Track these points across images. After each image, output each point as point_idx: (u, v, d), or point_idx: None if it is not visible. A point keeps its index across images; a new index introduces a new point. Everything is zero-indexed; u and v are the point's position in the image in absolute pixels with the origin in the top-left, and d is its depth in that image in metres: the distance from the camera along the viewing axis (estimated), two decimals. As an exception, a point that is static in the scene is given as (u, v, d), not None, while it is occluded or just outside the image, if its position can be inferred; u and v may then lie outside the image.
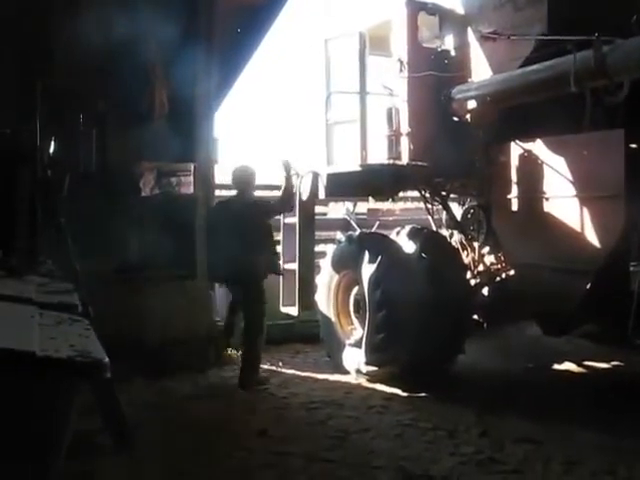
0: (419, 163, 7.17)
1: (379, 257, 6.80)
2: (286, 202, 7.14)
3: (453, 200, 8.11)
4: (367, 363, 6.78)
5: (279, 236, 7.94)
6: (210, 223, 7.30)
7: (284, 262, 7.67)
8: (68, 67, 6.66)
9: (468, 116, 7.16)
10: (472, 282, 7.25)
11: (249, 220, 6.81)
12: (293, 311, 7.60)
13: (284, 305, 7.74)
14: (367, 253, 6.95)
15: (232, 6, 8.23)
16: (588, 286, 5.97)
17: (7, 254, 4.08)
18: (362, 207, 10.63)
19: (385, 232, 7.73)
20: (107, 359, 1.95)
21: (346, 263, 7.27)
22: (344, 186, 7.60)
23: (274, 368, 7.48)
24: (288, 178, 7.08)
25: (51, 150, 5.40)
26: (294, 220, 7.54)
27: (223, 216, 6.99)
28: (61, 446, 1.84)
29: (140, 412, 5.57)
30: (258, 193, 9.55)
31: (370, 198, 8.72)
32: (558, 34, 5.90)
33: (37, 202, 4.66)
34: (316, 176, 7.49)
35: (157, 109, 7.23)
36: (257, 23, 8.47)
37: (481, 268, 7.40)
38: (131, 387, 6.07)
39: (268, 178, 9.47)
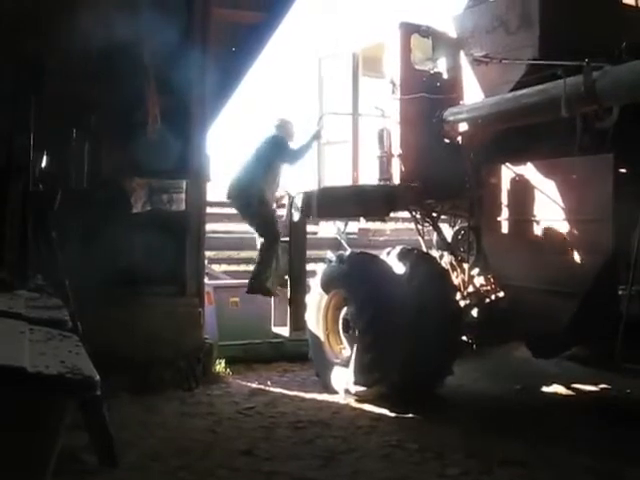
0: (410, 184, 7.21)
1: (369, 277, 6.81)
2: (297, 152, 7.77)
3: (443, 221, 8.14)
4: (356, 383, 6.76)
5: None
6: None
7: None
8: (62, 80, 6.68)
9: (459, 138, 7.22)
10: (462, 303, 7.25)
11: (260, 149, 7.61)
12: (284, 331, 7.61)
13: (275, 325, 7.73)
14: (357, 273, 6.96)
15: (227, 25, 8.31)
16: (576, 309, 5.99)
17: (-3, 269, 4.07)
18: (353, 227, 10.65)
19: (375, 252, 7.74)
20: (97, 376, 1.95)
21: (336, 283, 7.27)
22: (336, 206, 7.63)
23: (262, 387, 7.46)
24: (313, 138, 7.67)
25: (43, 164, 5.41)
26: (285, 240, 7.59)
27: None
28: (49, 462, 1.83)
29: (126, 429, 5.55)
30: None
31: (361, 218, 8.75)
32: (549, 59, 5.97)
33: (28, 216, 4.66)
34: (308, 196, 7.52)
35: (150, 125, 7.25)
36: (252, 42, 8.54)
37: (471, 289, 7.41)
38: (118, 404, 6.02)
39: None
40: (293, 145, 7.84)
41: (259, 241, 7.78)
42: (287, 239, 7.58)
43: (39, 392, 1.79)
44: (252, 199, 7.48)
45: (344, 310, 7.21)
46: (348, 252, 7.79)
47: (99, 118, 6.94)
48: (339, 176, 7.83)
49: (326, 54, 8.12)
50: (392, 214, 8.48)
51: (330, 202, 7.57)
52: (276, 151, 7.65)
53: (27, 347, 2.13)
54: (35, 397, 1.79)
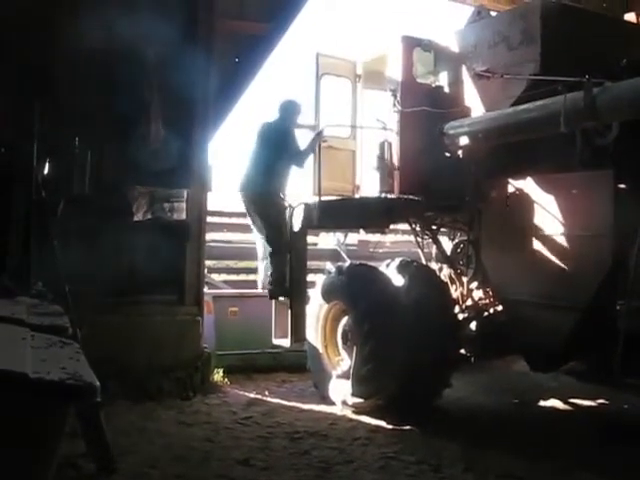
0: (411, 197, 7.24)
1: (368, 289, 6.83)
2: (302, 154, 7.58)
3: (443, 234, 8.17)
4: (353, 394, 6.76)
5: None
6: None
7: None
8: (67, 89, 6.73)
9: (460, 152, 7.26)
10: (460, 316, 7.26)
11: (269, 139, 7.49)
12: (285, 343, 7.59)
13: (276, 337, 7.73)
14: (356, 285, 6.97)
15: (231, 35, 8.36)
16: (575, 323, 6.01)
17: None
18: (353, 238, 10.68)
19: (375, 264, 7.75)
20: (98, 383, 1.97)
21: (335, 294, 7.27)
22: (336, 217, 7.65)
23: (260, 397, 7.46)
24: (314, 141, 7.54)
25: (46, 171, 5.43)
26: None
27: (256, 135, 7.62)
28: (50, 467, 1.85)
29: (124, 436, 5.56)
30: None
31: (361, 230, 8.78)
32: (550, 74, 6.02)
33: (31, 222, 4.68)
34: (308, 207, 7.54)
35: (153, 135, 7.29)
36: (256, 52, 8.58)
37: (469, 302, 7.43)
38: (116, 411, 6.03)
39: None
40: (297, 139, 7.71)
41: (263, 245, 7.76)
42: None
43: (40, 398, 1.81)
44: (263, 198, 7.47)
45: (343, 321, 7.23)
46: (347, 263, 7.81)
47: (102, 126, 6.97)
48: (340, 187, 7.89)
49: (328, 70, 8.15)
50: (392, 226, 8.52)
51: (330, 213, 7.60)
52: (282, 146, 7.50)
53: (29, 353, 2.15)
54: (36, 402, 1.81)
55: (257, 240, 7.92)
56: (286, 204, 7.58)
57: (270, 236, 7.51)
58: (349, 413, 6.81)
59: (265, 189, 7.47)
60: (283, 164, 7.54)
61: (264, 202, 7.52)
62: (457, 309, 7.32)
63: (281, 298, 7.65)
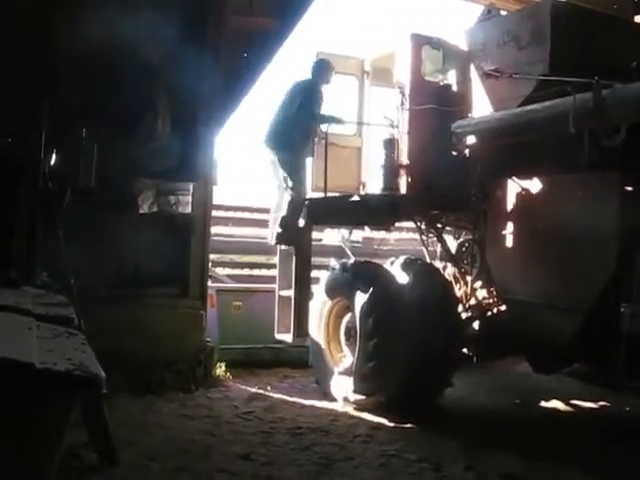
0: (416, 195, 7.23)
1: (372, 286, 6.83)
2: (324, 118, 7.68)
3: (448, 233, 8.16)
4: (355, 391, 6.77)
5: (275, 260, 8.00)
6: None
7: (279, 289, 7.76)
8: (74, 82, 6.73)
9: (467, 151, 7.24)
10: (463, 315, 7.26)
11: (293, 91, 7.64)
12: (288, 338, 7.61)
13: (279, 332, 7.74)
14: (360, 282, 6.97)
15: (240, 31, 8.35)
16: (579, 325, 6.00)
17: (5, 265, 4.10)
18: (358, 235, 10.67)
19: (379, 261, 7.75)
20: (103, 374, 1.97)
21: (339, 291, 7.28)
22: (341, 214, 7.65)
23: (262, 391, 7.46)
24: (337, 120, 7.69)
25: (52, 163, 5.44)
26: (290, 247, 7.62)
27: (286, 91, 7.75)
28: (54, 457, 1.85)
29: (125, 429, 5.57)
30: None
31: (366, 227, 8.78)
32: (559, 75, 6.00)
33: (37, 214, 4.69)
34: (313, 203, 7.53)
35: (159, 130, 7.29)
36: (264, 48, 8.57)
37: (473, 302, 7.42)
38: (118, 404, 6.04)
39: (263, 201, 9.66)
40: (320, 99, 7.73)
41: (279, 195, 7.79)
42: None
43: (47, 388, 1.81)
44: (284, 146, 7.51)
45: (346, 318, 7.23)
46: (352, 260, 7.81)
47: (109, 119, 6.97)
48: (346, 183, 7.89)
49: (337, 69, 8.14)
50: (397, 224, 8.51)
51: (335, 210, 7.60)
52: (305, 101, 7.57)
53: (35, 343, 2.15)
54: (42, 393, 1.81)
55: (275, 191, 7.95)
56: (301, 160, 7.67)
57: (290, 179, 7.58)
58: (351, 410, 6.82)
59: (287, 138, 7.52)
60: (303, 120, 7.60)
61: (285, 150, 7.58)
62: (460, 308, 7.32)
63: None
